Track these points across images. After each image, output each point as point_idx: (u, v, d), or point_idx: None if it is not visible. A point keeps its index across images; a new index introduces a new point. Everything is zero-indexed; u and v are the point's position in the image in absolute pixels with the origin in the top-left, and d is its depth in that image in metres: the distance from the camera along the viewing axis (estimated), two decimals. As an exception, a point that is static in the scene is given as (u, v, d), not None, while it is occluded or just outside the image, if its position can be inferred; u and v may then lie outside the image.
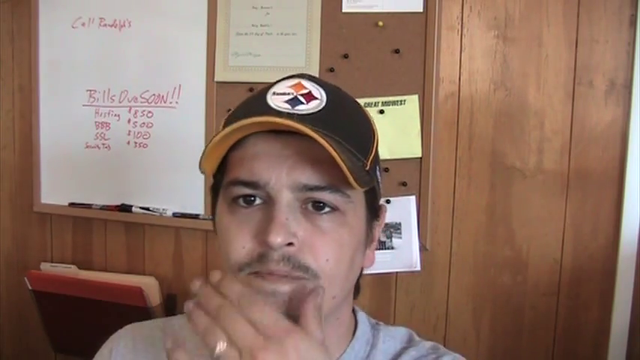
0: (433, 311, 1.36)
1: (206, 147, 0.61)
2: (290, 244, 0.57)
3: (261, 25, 1.41)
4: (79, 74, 1.58)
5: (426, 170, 1.31)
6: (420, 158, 1.31)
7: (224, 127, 0.62)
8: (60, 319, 1.58)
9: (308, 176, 0.58)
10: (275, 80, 0.66)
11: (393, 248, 1.33)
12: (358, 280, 0.68)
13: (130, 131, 1.55)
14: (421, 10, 1.29)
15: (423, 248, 1.33)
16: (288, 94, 0.62)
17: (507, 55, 1.28)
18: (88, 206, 1.59)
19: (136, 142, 1.54)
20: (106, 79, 1.56)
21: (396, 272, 1.36)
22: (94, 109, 1.57)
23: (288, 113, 0.59)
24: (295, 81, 0.63)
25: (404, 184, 1.32)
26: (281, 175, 0.58)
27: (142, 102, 1.53)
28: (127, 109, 1.54)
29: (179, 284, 1.55)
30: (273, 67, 1.40)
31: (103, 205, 1.57)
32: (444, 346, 0.73)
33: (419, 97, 1.30)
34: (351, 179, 0.56)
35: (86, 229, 1.62)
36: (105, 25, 1.55)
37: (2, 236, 1.73)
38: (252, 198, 0.60)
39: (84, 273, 1.59)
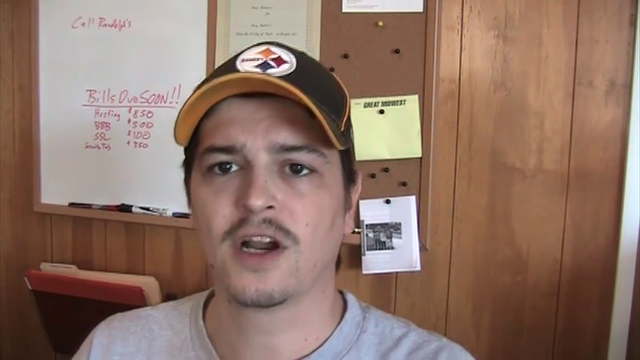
0: (433, 311, 1.36)
1: (179, 114, 0.59)
2: (270, 207, 0.56)
3: (261, 25, 1.41)
4: (79, 74, 1.58)
5: (426, 170, 1.31)
6: (420, 158, 1.31)
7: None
8: (60, 319, 1.58)
9: (284, 137, 0.58)
10: None
11: (393, 248, 1.33)
12: (339, 252, 0.67)
13: (130, 131, 1.54)
14: (421, 10, 1.29)
15: (423, 248, 1.33)
16: (258, 59, 0.60)
17: (507, 55, 1.28)
18: (88, 206, 1.59)
19: (136, 142, 1.54)
20: (106, 79, 1.56)
21: (396, 272, 1.36)
22: (94, 109, 1.57)
23: (261, 74, 0.58)
24: (263, 47, 0.62)
25: (404, 184, 1.32)
26: (257, 138, 0.57)
27: (142, 102, 1.53)
28: (127, 109, 1.54)
29: (179, 284, 1.55)
30: (273, 67, 1.40)
31: (103, 205, 1.57)
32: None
33: (419, 97, 1.30)
34: (331, 135, 0.56)
35: (86, 229, 1.62)
36: (105, 25, 1.55)
37: (2, 236, 1.73)
38: (228, 165, 0.59)
39: (84, 273, 1.59)
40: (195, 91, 0.59)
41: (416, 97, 1.30)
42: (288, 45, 0.65)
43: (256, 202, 0.55)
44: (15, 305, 1.73)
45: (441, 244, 1.34)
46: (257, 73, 0.58)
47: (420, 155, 1.31)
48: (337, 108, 0.62)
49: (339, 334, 0.66)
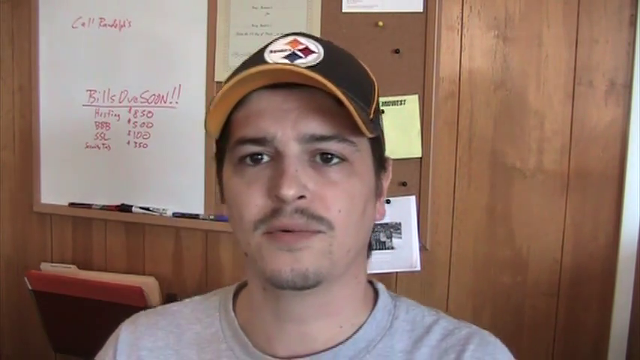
0: (433, 311, 1.35)
1: (209, 106, 0.59)
2: (302, 196, 0.57)
3: (261, 25, 1.41)
4: (79, 74, 1.58)
5: (426, 170, 1.31)
6: (420, 158, 1.31)
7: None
8: (60, 319, 1.58)
9: (314, 127, 0.58)
10: None
11: (393, 248, 1.33)
12: (370, 238, 0.68)
13: (130, 131, 1.54)
14: (421, 10, 1.29)
15: (423, 248, 1.33)
16: (286, 50, 0.61)
17: (507, 55, 1.28)
18: (88, 206, 1.59)
19: (136, 142, 1.54)
20: (106, 79, 1.56)
21: (396, 272, 1.36)
22: (94, 109, 1.57)
23: (290, 65, 0.58)
24: (290, 38, 0.63)
25: (404, 184, 1.32)
26: (287, 128, 0.58)
27: (142, 102, 1.53)
28: (127, 109, 1.54)
29: (179, 284, 1.55)
30: (273, 67, 1.40)
31: (103, 205, 1.57)
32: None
33: (419, 97, 1.30)
34: (360, 124, 0.56)
35: (86, 229, 1.62)
36: (105, 25, 1.55)
37: (2, 236, 1.73)
38: (260, 156, 0.59)
39: (84, 273, 1.59)
40: (225, 83, 0.60)
41: (416, 97, 1.30)
42: (314, 35, 0.65)
43: (288, 191, 0.56)
44: (15, 305, 1.73)
45: (441, 244, 1.34)
46: (286, 64, 0.58)
47: (420, 155, 1.31)
48: (366, 96, 0.62)
49: (373, 320, 0.66)
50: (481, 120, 1.30)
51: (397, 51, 1.31)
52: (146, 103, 1.53)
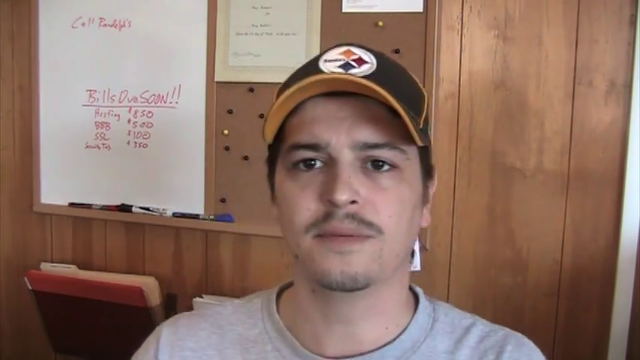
0: (433, 311, 1.35)
1: (267, 113, 0.62)
2: (354, 201, 0.59)
3: (261, 25, 1.41)
4: (79, 74, 1.58)
5: (426, 170, 1.31)
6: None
7: (278, 95, 0.63)
8: (60, 319, 1.58)
9: (367, 135, 0.60)
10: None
11: (393, 248, 1.33)
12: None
13: (130, 131, 1.55)
14: (421, 10, 1.29)
15: (423, 248, 1.32)
16: (340, 60, 0.63)
17: (507, 55, 1.28)
18: (88, 206, 1.59)
19: (136, 142, 1.54)
20: (106, 79, 1.56)
21: (396, 272, 1.35)
22: (94, 109, 1.57)
23: (346, 75, 0.60)
24: (344, 48, 0.65)
25: (404, 184, 1.32)
26: (341, 136, 0.60)
27: (142, 102, 1.53)
28: (127, 109, 1.54)
29: (179, 284, 1.55)
30: (273, 67, 1.40)
31: (103, 205, 1.57)
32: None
33: (419, 97, 1.30)
34: (413, 132, 0.58)
35: (86, 229, 1.62)
36: (105, 25, 1.55)
37: (2, 236, 1.73)
38: (313, 162, 0.61)
39: (84, 273, 1.59)
40: (280, 91, 0.63)
41: (416, 97, 1.30)
42: (366, 46, 0.67)
43: (341, 196, 0.58)
44: (15, 305, 1.73)
45: (441, 244, 1.34)
46: (342, 73, 0.61)
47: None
48: (416, 106, 0.64)
49: (416, 322, 0.69)
50: (481, 120, 1.30)
51: (397, 51, 1.31)
52: (146, 103, 1.53)
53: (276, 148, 0.67)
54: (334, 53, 0.65)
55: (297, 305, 0.70)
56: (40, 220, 1.68)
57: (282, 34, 1.40)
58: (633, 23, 1.20)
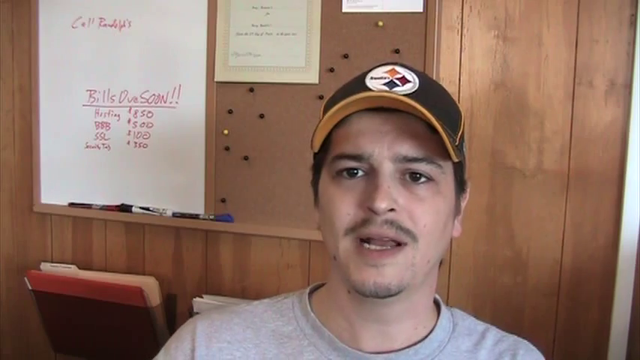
0: (433, 311, 1.35)
1: (317, 125, 0.67)
2: (392, 209, 0.64)
3: (261, 25, 1.41)
4: (79, 74, 1.58)
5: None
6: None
7: (325, 109, 0.70)
8: (60, 319, 1.58)
9: (407, 149, 0.65)
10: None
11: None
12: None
13: (130, 131, 1.55)
14: (421, 10, 1.29)
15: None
16: (385, 78, 0.69)
17: (507, 55, 1.28)
18: (88, 206, 1.59)
19: (136, 142, 1.54)
20: (106, 79, 1.56)
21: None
22: (94, 109, 1.57)
23: (391, 93, 0.65)
24: (389, 67, 0.70)
25: (404, 184, 1.32)
26: (383, 148, 0.65)
27: (142, 102, 1.53)
28: (127, 109, 1.54)
29: (179, 284, 1.55)
30: (273, 67, 1.40)
31: (103, 205, 1.57)
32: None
33: (419, 97, 1.30)
34: (450, 148, 0.63)
35: (86, 229, 1.62)
36: (105, 25, 1.55)
37: (2, 236, 1.73)
38: (356, 171, 0.66)
39: (84, 273, 1.59)
40: (328, 105, 0.68)
41: (416, 97, 1.30)
42: (410, 65, 0.72)
43: (381, 204, 0.63)
44: (15, 305, 1.73)
45: (441, 244, 1.33)
46: (387, 91, 0.66)
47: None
48: (453, 123, 0.69)
49: (440, 325, 0.75)
50: (481, 120, 1.30)
51: (397, 51, 1.31)
52: (146, 103, 1.53)
53: (321, 157, 0.72)
54: (380, 71, 0.70)
55: (333, 303, 0.74)
56: (40, 220, 1.68)
57: (282, 34, 1.40)
58: (633, 23, 1.20)
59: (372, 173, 0.66)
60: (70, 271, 1.59)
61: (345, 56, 1.34)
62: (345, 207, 0.66)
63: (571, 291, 1.27)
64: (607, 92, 1.23)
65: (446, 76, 1.31)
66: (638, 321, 1.23)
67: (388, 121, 0.66)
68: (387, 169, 0.65)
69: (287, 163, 1.41)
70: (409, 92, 0.66)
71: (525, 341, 0.78)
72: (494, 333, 0.78)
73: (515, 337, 0.78)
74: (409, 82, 0.68)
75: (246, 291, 1.49)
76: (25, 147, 1.67)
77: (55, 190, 1.63)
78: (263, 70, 1.41)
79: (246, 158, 1.44)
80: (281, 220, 1.42)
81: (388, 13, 1.31)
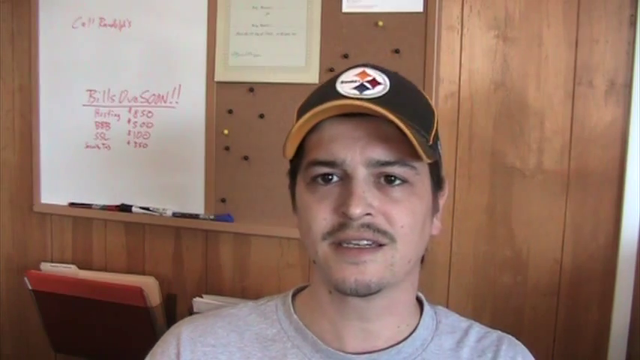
0: (433, 311, 1.35)
1: (289, 132, 0.67)
2: (368, 214, 0.65)
3: (261, 25, 1.41)
4: (79, 74, 1.58)
5: (426, 170, 1.31)
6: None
7: (298, 114, 0.70)
8: (60, 319, 1.58)
9: (379, 153, 0.66)
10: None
11: (393, 248, 1.33)
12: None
13: (130, 131, 1.55)
14: (421, 10, 1.29)
15: (423, 248, 1.32)
16: (355, 81, 0.69)
17: (507, 55, 1.28)
18: (88, 206, 1.59)
19: (136, 142, 1.54)
20: (106, 79, 1.56)
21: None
22: (94, 109, 1.57)
23: (359, 98, 0.66)
24: (360, 70, 0.71)
25: (404, 184, 1.32)
26: (355, 154, 0.66)
27: (142, 102, 1.53)
28: (127, 109, 1.54)
29: (179, 284, 1.55)
30: (273, 67, 1.40)
31: (103, 205, 1.57)
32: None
33: (419, 97, 1.30)
34: (420, 151, 0.63)
35: (86, 229, 1.62)
36: (105, 25, 1.55)
37: (2, 236, 1.73)
38: (330, 176, 0.67)
39: (84, 273, 1.59)
40: (302, 111, 0.69)
41: (416, 97, 1.30)
42: (381, 66, 0.72)
43: (355, 210, 0.63)
44: (15, 305, 1.73)
45: (441, 244, 1.34)
46: (356, 97, 0.66)
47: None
48: (426, 123, 0.70)
49: (424, 323, 0.76)
50: (481, 120, 1.30)
51: (397, 51, 1.31)
52: (146, 103, 1.53)
53: (296, 163, 0.72)
54: (350, 75, 0.70)
55: (316, 305, 0.75)
56: (40, 220, 1.68)
57: (282, 34, 1.40)
58: (633, 23, 1.20)
59: (346, 179, 0.66)
60: (70, 271, 1.59)
61: (345, 56, 1.34)
62: (321, 213, 0.66)
63: (571, 291, 1.27)
64: (607, 92, 1.23)
65: (446, 76, 1.31)
66: (638, 321, 1.23)
67: (360, 126, 0.67)
68: (361, 174, 0.66)
69: (287, 163, 1.41)
70: (379, 95, 0.67)
71: (509, 336, 0.79)
72: (477, 329, 0.78)
73: (499, 332, 0.79)
74: (379, 84, 0.68)
75: (246, 291, 1.49)
76: (25, 147, 1.67)
77: (55, 190, 1.63)
78: (263, 70, 1.41)
79: (246, 158, 1.44)
80: (281, 220, 1.42)
81: (388, 13, 1.31)
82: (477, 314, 1.33)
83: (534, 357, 0.79)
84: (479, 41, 1.29)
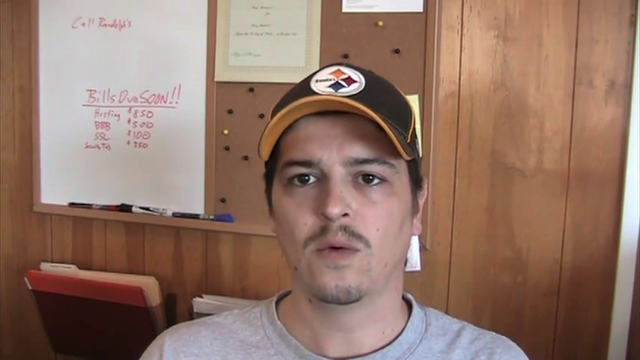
0: (433, 311, 1.35)
1: (263, 132, 0.66)
2: (345, 214, 0.63)
3: (261, 25, 1.41)
4: (79, 74, 1.58)
5: (426, 170, 1.31)
6: (420, 158, 1.31)
7: (272, 114, 0.68)
8: (60, 319, 1.58)
9: (357, 151, 0.64)
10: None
11: (393, 248, 1.33)
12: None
13: (130, 131, 1.55)
14: (421, 10, 1.29)
15: (423, 248, 1.33)
16: (330, 79, 0.67)
17: (507, 55, 1.28)
18: (88, 206, 1.59)
19: (136, 142, 1.54)
20: (106, 79, 1.56)
21: (396, 272, 1.35)
22: (94, 109, 1.57)
23: (335, 95, 0.64)
24: (334, 68, 0.69)
25: (404, 184, 1.32)
26: (332, 152, 0.64)
27: (142, 102, 1.53)
28: (127, 109, 1.54)
29: (179, 284, 1.55)
30: (273, 67, 1.40)
31: (103, 205, 1.57)
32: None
33: (419, 97, 1.30)
34: (399, 148, 0.62)
35: (86, 229, 1.62)
36: (105, 25, 1.55)
37: (2, 236, 1.73)
38: (307, 177, 0.65)
39: (84, 273, 1.59)
40: (275, 111, 0.67)
41: (416, 97, 1.30)
42: (356, 65, 0.71)
43: (333, 210, 0.62)
44: (15, 305, 1.73)
45: (441, 244, 1.34)
46: (331, 94, 0.65)
47: (420, 155, 1.31)
48: (403, 121, 0.68)
49: (411, 326, 0.74)
50: (481, 120, 1.30)
51: (397, 51, 1.31)
52: (146, 103, 1.53)
53: (272, 164, 0.70)
54: (325, 73, 0.68)
55: (297, 313, 0.73)
56: (40, 220, 1.68)
57: (282, 34, 1.40)
58: (633, 23, 1.20)
59: (323, 179, 0.65)
60: (70, 271, 1.59)
61: (345, 56, 1.34)
62: (301, 217, 0.65)
63: (571, 291, 1.27)
64: (607, 92, 1.23)
65: (446, 76, 1.31)
66: (638, 321, 1.23)
67: (336, 124, 0.65)
68: (338, 173, 0.64)
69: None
70: (355, 93, 0.65)
71: (504, 337, 0.77)
72: (470, 331, 0.76)
73: (493, 334, 0.77)
74: (355, 82, 0.67)
75: (246, 291, 1.49)
76: (25, 147, 1.67)
77: (55, 190, 1.63)
78: (263, 69, 1.41)
79: (246, 158, 1.44)
80: (281, 220, 1.42)
81: (388, 13, 1.31)
82: (476, 314, 1.33)
83: (530, 358, 0.77)
84: (479, 41, 1.29)
